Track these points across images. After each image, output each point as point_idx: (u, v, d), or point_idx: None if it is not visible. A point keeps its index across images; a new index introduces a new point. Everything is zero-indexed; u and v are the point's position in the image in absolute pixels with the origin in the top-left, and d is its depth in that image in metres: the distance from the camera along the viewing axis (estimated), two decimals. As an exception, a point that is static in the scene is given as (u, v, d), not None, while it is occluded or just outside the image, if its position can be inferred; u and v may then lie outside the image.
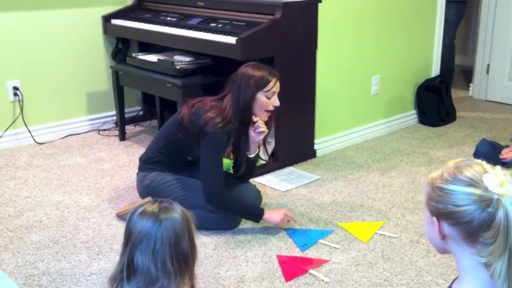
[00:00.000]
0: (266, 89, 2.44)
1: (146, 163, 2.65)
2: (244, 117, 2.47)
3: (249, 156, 2.59)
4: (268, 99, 2.46)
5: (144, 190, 2.63)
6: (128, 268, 1.36)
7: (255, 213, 2.48)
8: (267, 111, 2.49)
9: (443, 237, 1.19)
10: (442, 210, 1.16)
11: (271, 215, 2.47)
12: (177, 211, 1.40)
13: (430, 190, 1.20)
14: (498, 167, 1.16)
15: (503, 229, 1.09)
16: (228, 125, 2.42)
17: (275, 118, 2.79)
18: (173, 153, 2.60)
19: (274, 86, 2.46)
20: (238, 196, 2.60)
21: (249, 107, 2.44)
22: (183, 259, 1.37)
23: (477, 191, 1.11)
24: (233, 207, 2.50)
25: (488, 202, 1.10)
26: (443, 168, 1.20)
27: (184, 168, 2.66)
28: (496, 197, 1.10)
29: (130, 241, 1.36)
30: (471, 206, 1.11)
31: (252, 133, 2.53)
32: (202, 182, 2.45)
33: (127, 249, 1.37)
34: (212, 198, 2.44)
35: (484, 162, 1.18)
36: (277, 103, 2.49)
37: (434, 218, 1.19)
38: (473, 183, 1.12)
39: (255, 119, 2.49)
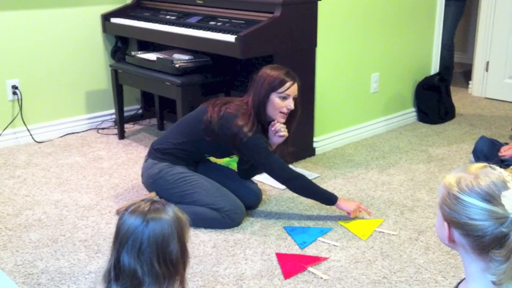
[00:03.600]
0: (279, 90, 2.45)
1: (159, 152, 2.64)
2: (260, 117, 2.49)
3: None
4: (281, 101, 2.47)
5: (150, 179, 2.63)
6: (115, 268, 1.33)
7: (330, 197, 2.56)
8: (281, 112, 2.49)
9: (453, 242, 1.17)
10: (454, 219, 1.13)
11: (346, 203, 2.57)
12: (168, 213, 1.36)
13: (445, 194, 1.16)
14: None
15: None
16: (255, 126, 2.48)
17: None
18: (192, 150, 2.62)
19: (289, 88, 2.46)
20: (239, 192, 2.63)
21: (263, 106, 2.47)
22: (171, 262, 1.33)
23: (493, 208, 1.08)
24: (311, 190, 2.56)
25: (503, 220, 1.08)
26: (462, 173, 1.15)
27: (194, 163, 2.69)
28: (511, 216, 1.07)
29: (118, 239, 1.34)
30: (485, 222, 1.09)
31: (271, 135, 2.54)
32: (278, 178, 2.54)
33: (115, 248, 1.34)
34: (293, 183, 2.53)
35: (505, 173, 1.13)
36: (291, 106, 2.48)
37: (445, 224, 1.16)
38: (490, 198, 1.09)
39: (275, 123, 2.51)
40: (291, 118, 2.56)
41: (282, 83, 2.45)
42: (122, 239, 1.33)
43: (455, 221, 1.13)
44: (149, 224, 1.32)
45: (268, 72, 2.49)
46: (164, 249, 1.32)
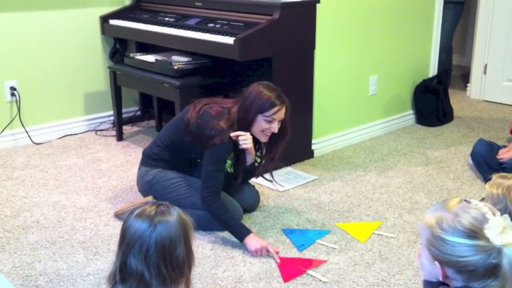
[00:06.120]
0: (267, 113, 2.39)
1: (150, 158, 2.65)
2: (241, 130, 2.44)
3: (246, 165, 2.58)
4: (266, 124, 2.42)
5: (145, 186, 2.63)
6: (121, 271, 1.34)
7: (240, 233, 2.37)
8: (263, 131, 2.45)
9: (446, 277, 1.20)
10: (445, 259, 1.18)
11: (251, 241, 2.33)
12: (174, 215, 1.37)
13: (429, 236, 1.20)
14: (498, 214, 1.17)
15: (510, 279, 1.11)
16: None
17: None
18: (177, 152, 2.61)
19: (277, 113, 2.40)
20: (237, 195, 2.61)
21: (248, 124, 2.43)
22: (177, 265, 1.34)
23: (479, 242, 1.13)
24: (223, 218, 2.39)
25: (490, 252, 1.13)
26: (441, 212, 1.20)
27: (186, 167, 2.68)
28: (498, 245, 1.12)
29: (124, 243, 1.34)
30: (475, 256, 1.13)
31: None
32: (201, 185, 2.42)
33: (121, 251, 1.35)
34: (205, 202, 2.39)
35: (481, 204, 1.18)
36: (275, 130, 2.43)
37: (436, 263, 1.20)
38: (474, 234, 1.14)
39: (242, 135, 2.44)
40: (279, 139, 2.52)
41: (270, 106, 2.39)
42: (128, 243, 1.33)
43: (447, 261, 1.17)
44: (156, 228, 1.32)
45: (260, 91, 2.41)
46: (171, 252, 1.33)
